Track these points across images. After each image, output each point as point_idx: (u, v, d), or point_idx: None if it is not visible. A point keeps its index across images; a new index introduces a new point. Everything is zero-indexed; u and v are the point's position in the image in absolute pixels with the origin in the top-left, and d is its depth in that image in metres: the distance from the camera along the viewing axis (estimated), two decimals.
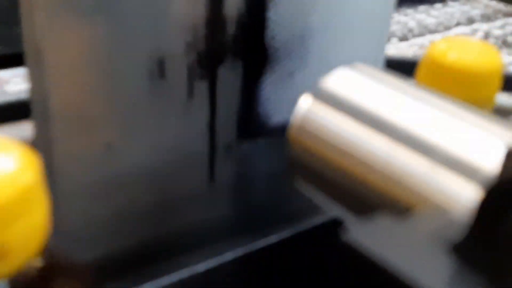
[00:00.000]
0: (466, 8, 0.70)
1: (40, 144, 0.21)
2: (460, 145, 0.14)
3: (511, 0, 0.71)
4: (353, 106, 0.17)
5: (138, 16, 0.20)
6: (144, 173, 0.22)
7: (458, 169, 0.14)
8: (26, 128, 0.30)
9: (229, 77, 0.22)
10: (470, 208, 0.14)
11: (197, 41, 0.21)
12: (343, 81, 0.17)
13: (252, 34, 0.22)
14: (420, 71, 0.23)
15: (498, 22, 0.66)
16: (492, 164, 0.14)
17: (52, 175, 0.20)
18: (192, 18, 0.21)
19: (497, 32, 0.63)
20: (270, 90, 0.23)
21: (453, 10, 0.70)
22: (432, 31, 0.63)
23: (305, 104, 0.17)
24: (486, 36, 0.62)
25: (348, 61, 0.21)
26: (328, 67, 0.21)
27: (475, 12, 0.68)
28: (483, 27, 0.65)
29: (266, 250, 0.24)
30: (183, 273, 0.22)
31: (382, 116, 0.16)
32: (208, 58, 0.22)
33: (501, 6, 0.71)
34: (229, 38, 0.22)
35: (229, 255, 0.23)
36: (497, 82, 0.23)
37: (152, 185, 0.22)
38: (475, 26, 0.65)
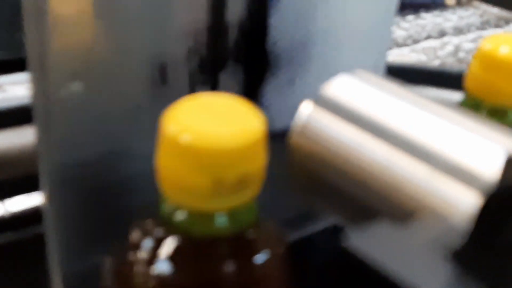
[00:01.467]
0: (439, 20, 0.70)
1: (43, 149, 0.21)
2: (460, 152, 0.15)
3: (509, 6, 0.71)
4: (354, 112, 0.17)
5: (140, 22, 0.20)
6: (146, 178, 0.22)
7: (458, 176, 0.14)
8: (28, 133, 0.30)
9: (231, 83, 0.22)
10: (470, 215, 0.14)
11: (199, 47, 0.21)
12: (344, 88, 0.17)
13: (254, 40, 0.22)
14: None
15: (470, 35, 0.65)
16: (492, 171, 0.14)
17: (54, 183, 0.21)
18: (194, 24, 0.21)
19: (468, 45, 0.63)
20: (271, 96, 0.23)
21: (425, 22, 0.70)
22: (400, 45, 0.63)
23: (306, 110, 0.17)
24: (456, 49, 0.62)
25: (349, 68, 0.21)
26: (329, 74, 0.21)
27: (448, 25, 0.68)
28: (454, 40, 0.65)
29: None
30: None
31: (383, 123, 0.16)
32: (209, 64, 0.22)
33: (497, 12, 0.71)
34: (230, 44, 0.22)
35: None
36: None
37: (153, 190, 0.22)
38: (445, 39, 0.65)
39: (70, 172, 0.21)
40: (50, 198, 0.21)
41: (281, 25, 0.22)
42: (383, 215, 0.15)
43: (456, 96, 0.42)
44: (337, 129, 0.16)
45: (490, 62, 0.22)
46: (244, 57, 0.22)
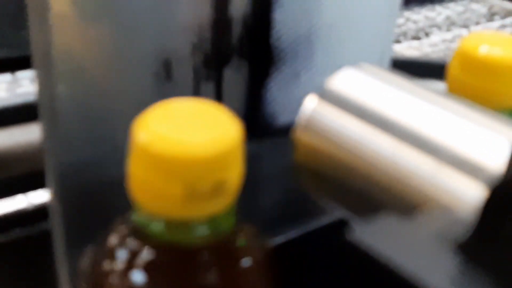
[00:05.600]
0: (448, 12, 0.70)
1: (48, 146, 0.21)
2: (466, 144, 0.14)
3: None
4: (358, 106, 0.17)
5: (144, 18, 0.20)
6: None
7: (464, 168, 0.14)
8: (34, 130, 0.31)
9: (235, 77, 0.22)
10: (475, 207, 0.14)
11: (203, 43, 0.21)
12: (349, 81, 0.17)
13: (258, 35, 0.22)
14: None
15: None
16: (497, 163, 0.14)
17: (60, 180, 0.21)
18: (198, 19, 0.21)
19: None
20: (276, 90, 0.23)
21: (434, 15, 0.69)
22: (408, 38, 0.63)
23: (311, 104, 0.17)
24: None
25: (354, 61, 0.21)
26: (334, 68, 0.21)
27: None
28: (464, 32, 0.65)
29: (273, 251, 0.24)
30: None
31: (388, 116, 0.16)
32: (214, 59, 0.22)
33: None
34: (235, 39, 0.22)
35: None
36: None
37: None
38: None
39: (76, 169, 0.21)
40: (56, 195, 0.21)
41: (285, 19, 0.22)
42: (388, 208, 0.15)
43: None
44: (342, 123, 0.16)
45: (470, 63, 0.22)
46: (248, 52, 0.22)
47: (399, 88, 0.16)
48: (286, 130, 0.24)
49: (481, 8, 0.70)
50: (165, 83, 0.21)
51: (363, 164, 0.16)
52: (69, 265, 0.22)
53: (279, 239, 0.24)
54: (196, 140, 0.15)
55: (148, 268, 0.16)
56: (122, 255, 0.17)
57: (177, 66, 0.21)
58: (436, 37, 0.61)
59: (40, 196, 0.32)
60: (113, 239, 0.17)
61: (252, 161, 0.24)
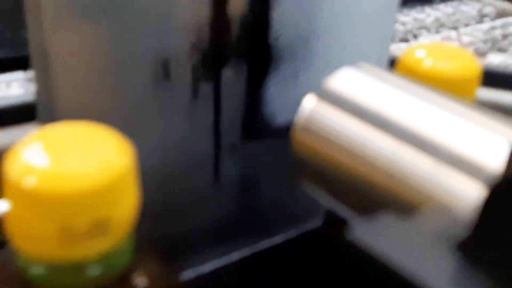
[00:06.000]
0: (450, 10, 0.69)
1: None
2: (465, 144, 0.14)
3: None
4: (357, 105, 0.17)
5: (142, 17, 0.20)
6: (148, 174, 0.22)
7: (463, 168, 0.14)
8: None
9: (234, 78, 0.22)
10: (475, 207, 0.14)
11: (201, 42, 0.21)
12: (348, 80, 0.17)
13: (256, 35, 0.22)
14: None
15: None
16: (496, 162, 0.14)
17: None
18: (196, 19, 0.21)
19: None
20: (275, 90, 0.23)
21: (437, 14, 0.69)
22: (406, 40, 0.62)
23: (310, 104, 0.17)
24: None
25: (352, 62, 0.21)
26: (333, 68, 0.21)
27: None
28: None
29: (272, 250, 0.24)
30: (188, 274, 0.22)
31: (387, 116, 0.16)
32: (212, 59, 0.22)
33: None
34: (233, 39, 0.22)
35: (235, 256, 0.23)
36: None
37: (156, 185, 0.22)
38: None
39: None
40: None
41: (284, 19, 0.22)
42: (387, 207, 0.15)
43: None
44: (341, 122, 0.16)
45: (410, 76, 0.21)
46: (247, 52, 0.22)
47: (398, 88, 0.16)
48: (284, 130, 0.24)
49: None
50: (164, 83, 0.21)
51: (362, 164, 0.16)
52: None
53: (278, 239, 0.24)
54: (73, 172, 0.14)
55: None
56: None
57: (176, 65, 0.21)
58: (425, 39, 0.61)
59: None
60: None
61: (251, 161, 0.24)
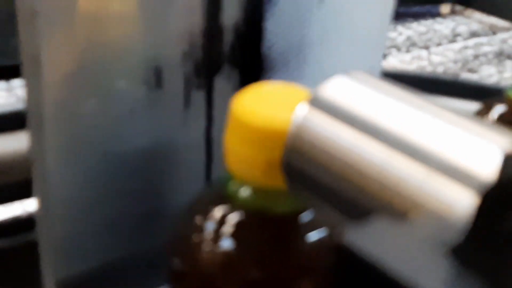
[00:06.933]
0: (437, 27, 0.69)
1: (35, 153, 0.21)
2: (457, 152, 0.14)
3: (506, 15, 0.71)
4: (349, 113, 0.16)
5: (135, 25, 0.20)
6: (139, 182, 0.22)
7: (455, 176, 0.14)
8: (22, 138, 0.30)
9: (226, 86, 0.22)
10: (467, 215, 0.14)
11: (194, 51, 0.21)
12: (340, 88, 0.17)
13: (249, 44, 0.22)
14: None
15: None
16: (488, 171, 0.14)
17: (46, 184, 0.20)
18: (189, 27, 0.21)
19: None
20: None
21: (424, 30, 0.69)
22: (400, 50, 0.63)
23: (302, 112, 0.17)
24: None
25: (344, 72, 0.21)
26: (325, 78, 0.21)
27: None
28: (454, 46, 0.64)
29: None
30: None
31: (379, 124, 0.16)
32: (205, 68, 0.22)
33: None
34: (226, 48, 0.22)
35: None
36: None
37: (147, 194, 0.22)
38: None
39: (63, 177, 0.21)
40: (43, 204, 0.21)
41: (276, 29, 0.22)
42: (380, 215, 0.15)
43: (449, 102, 0.42)
44: (333, 130, 0.16)
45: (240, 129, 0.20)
46: (239, 61, 0.22)
47: (391, 96, 0.16)
48: None
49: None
50: (156, 91, 0.21)
51: (354, 172, 0.16)
52: (55, 275, 0.22)
53: None
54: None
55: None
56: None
57: (168, 73, 0.21)
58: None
59: (26, 206, 0.31)
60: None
61: None
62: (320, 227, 0.19)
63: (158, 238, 0.23)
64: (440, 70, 0.59)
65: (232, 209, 0.18)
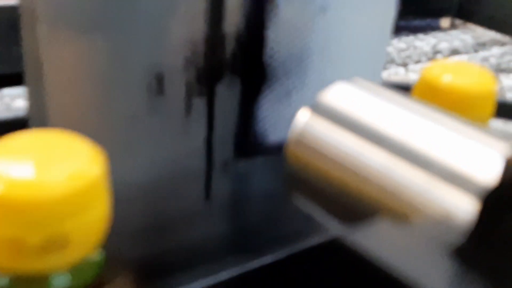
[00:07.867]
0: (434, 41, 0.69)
1: None
2: (458, 158, 0.14)
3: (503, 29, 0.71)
4: (351, 120, 0.17)
5: (137, 32, 0.20)
6: (140, 189, 0.22)
7: (456, 182, 0.14)
8: None
9: (227, 94, 0.22)
10: (468, 221, 0.14)
11: (196, 58, 0.21)
12: (341, 95, 0.17)
13: (251, 52, 0.22)
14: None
15: None
16: (489, 176, 0.14)
17: None
18: (191, 35, 0.21)
19: None
20: (268, 108, 0.23)
21: (422, 44, 0.69)
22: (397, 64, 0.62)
23: (303, 118, 0.17)
24: None
25: (346, 80, 0.21)
26: (326, 86, 0.21)
27: None
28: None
29: (261, 271, 0.23)
30: None
31: (380, 130, 0.16)
32: (206, 75, 0.22)
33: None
34: (228, 56, 0.22)
35: (224, 275, 0.23)
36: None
37: (147, 201, 0.22)
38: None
39: None
40: None
41: (278, 37, 0.22)
42: (381, 221, 0.15)
43: None
44: (335, 136, 0.16)
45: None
46: (241, 69, 0.22)
47: (392, 102, 0.16)
48: (277, 149, 0.24)
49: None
50: (157, 97, 0.21)
51: (355, 178, 0.16)
52: None
53: (267, 259, 0.24)
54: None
55: None
56: None
57: (169, 81, 0.21)
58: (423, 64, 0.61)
59: None
60: None
61: (243, 178, 0.24)
62: None
63: (155, 247, 0.23)
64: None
65: None
